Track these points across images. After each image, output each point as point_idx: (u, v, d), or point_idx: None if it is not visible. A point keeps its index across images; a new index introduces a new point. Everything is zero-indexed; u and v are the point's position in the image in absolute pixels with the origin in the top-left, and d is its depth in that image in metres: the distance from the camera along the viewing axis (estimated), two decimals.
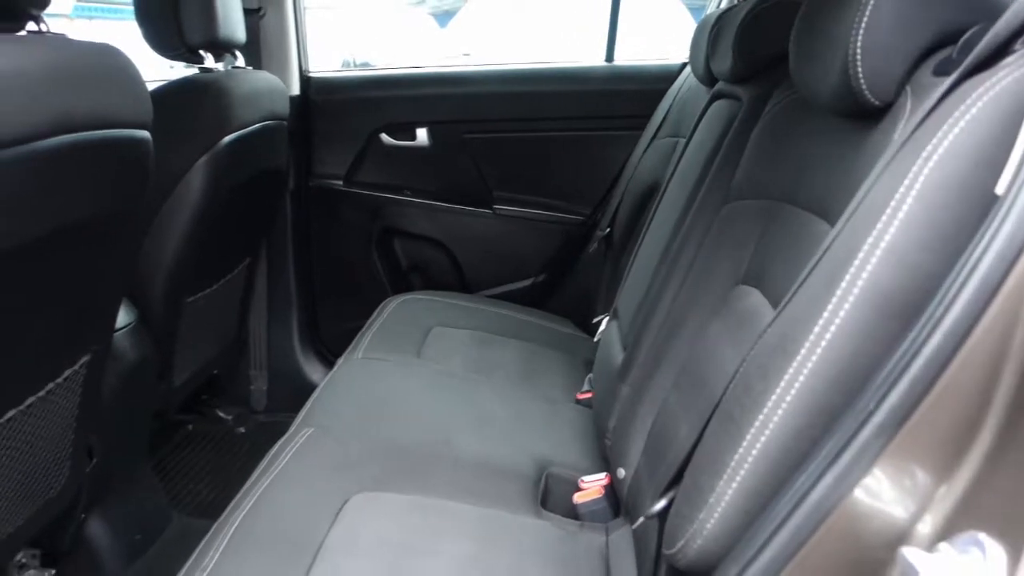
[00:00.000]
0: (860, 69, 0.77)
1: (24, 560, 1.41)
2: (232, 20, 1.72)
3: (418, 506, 1.18)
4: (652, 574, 0.90)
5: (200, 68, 1.70)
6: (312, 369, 2.28)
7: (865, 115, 0.82)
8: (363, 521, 1.13)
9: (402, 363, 1.66)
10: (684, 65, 2.03)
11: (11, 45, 0.87)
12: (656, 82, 2.03)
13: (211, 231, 1.66)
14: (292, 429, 1.35)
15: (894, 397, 0.54)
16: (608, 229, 1.99)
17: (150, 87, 1.18)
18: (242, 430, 2.20)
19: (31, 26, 1.01)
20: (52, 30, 1.02)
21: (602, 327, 1.67)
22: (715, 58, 1.39)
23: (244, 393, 2.29)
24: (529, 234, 2.22)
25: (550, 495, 1.34)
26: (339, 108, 2.22)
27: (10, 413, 1.07)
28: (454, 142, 2.21)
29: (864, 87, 0.78)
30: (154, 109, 1.48)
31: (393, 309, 1.94)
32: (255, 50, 2.07)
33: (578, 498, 1.29)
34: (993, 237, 0.52)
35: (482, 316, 1.96)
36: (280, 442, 1.30)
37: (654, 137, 1.91)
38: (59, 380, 1.16)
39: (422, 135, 2.22)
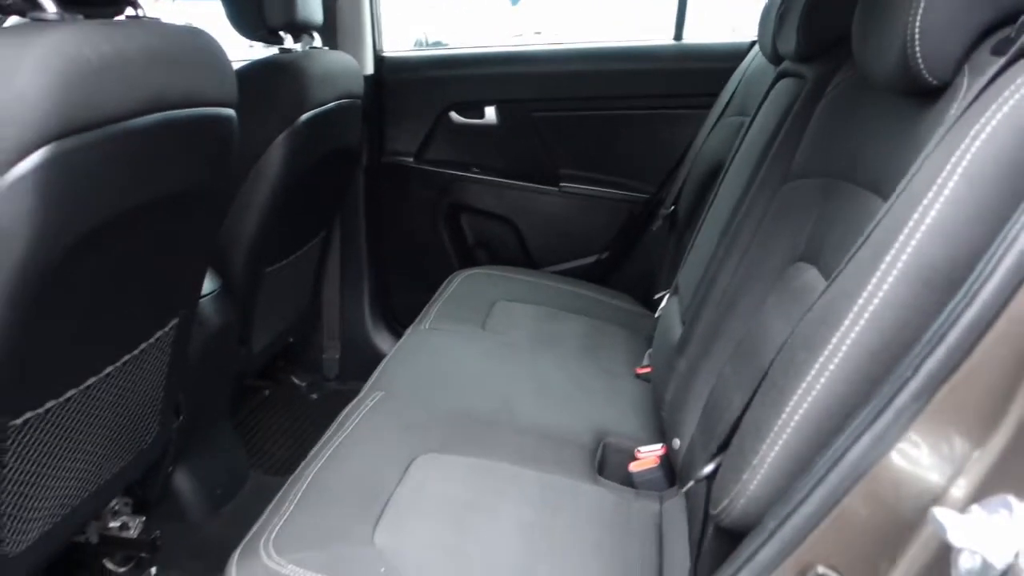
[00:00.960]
0: (918, 48, 0.78)
1: (118, 507, 1.53)
2: (310, 2, 1.79)
3: (480, 468, 1.24)
4: (700, 535, 0.93)
5: (280, 49, 1.78)
6: (382, 339, 2.36)
7: (924, 94, 0.83)
8: (428, 480, 1.19)
9: (466, 334, 1.72)
10: (753, 44, 2.03)
11: (112, 29, 0.95)
12: (724, 60, 2.02)
13: (288, 204, 1.74)
14: (362, 393, 1.42)
15: (931, 364, 0.57)
16: (672, 207, 2.00)
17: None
18: (315, 396, 2.30)
19: (129, 11, 1.09)
20: (152, 9, 1.10)
21: (663, 303, 1.69)
22: (781, 37, 1.39)
23: (317, 361, 2.38)
24: (594, 211, 2.25)
25: (607, 464, 1.38)
26: (411, 87, 2.28)
27: (108, 369, 1.16)
28: (522, 120, 2.25)
29: (922, 66, 0.79)
30: (238, 88, 1.56)
31: (459, 283, 2.00)
32: (331, 31, 2.14)
33: (634, 467, 1.33)
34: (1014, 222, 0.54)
35: (546, 291, 2.00)
36: (351, 404, 1.38)
37: (721, 116, 1.91)
38: (151, 340, 1.25)
39: (491, 113, 2.26)
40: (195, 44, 1.11)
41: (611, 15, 6.13)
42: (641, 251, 2.23)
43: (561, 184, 2.25)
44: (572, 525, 1.16)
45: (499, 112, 2.25)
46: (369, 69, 2.22)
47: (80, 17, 0.95)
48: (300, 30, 1.81)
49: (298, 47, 1.85)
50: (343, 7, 2.14)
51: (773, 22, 1.50)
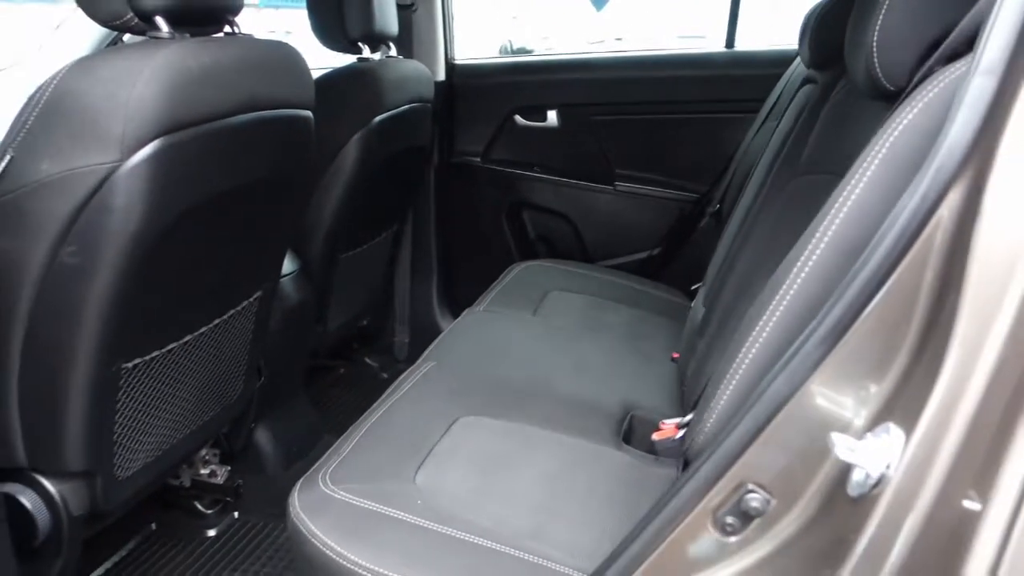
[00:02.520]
0: (876, 58, 0.91)
1: (207, 457, 1.76)
2: (387, 15, 1.99)
3: (514, 430, 1.40)
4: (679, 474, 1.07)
5: (358, 58, 1.98)
6: (447, 325, 2.54)
7: (888, 98, 0.96)
8: (467, 437, 1.36)
9: (517, 318, 1.88)
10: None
11: (211, 44, 1.16)
12: (772, 67, 2.13)
13: (363, 197, 1.94)
14: (418, 362, 1.60)
15: (833, 315, 0.70)
16: (719, 206, 2.12)
17: (317, 74, 1.46)
18: (385, 376, 2.50)
19: (228, 28, 1.30)
20: (242, 18, 1.31)
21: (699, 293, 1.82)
22: (802, 46, 1.51)
23: (389, 344, 2.59)
24: (647, 210, 2.38)
25: (634, 435, 1.52)
26: (479, 92, 2.47)
27: (202, 329, 1.38)
28: (581, 123, 2.40)
29: (880, 73, 0.92)
30: (319, 93, 1.78)
31: (517, 273, 2.17)
32: (407, 40, 2.34)
33: (656, 436, 1.47)
34: (911, 195, 0.67)
35: (598, 283, 2.15)
36: (407, 371, 1.56)
37: (765, 120, 2.02)
38: (238, 308, 1.47)
39: (552, 116, 2.42)
40: (279, 55, 1.31)
41: (696, 19, 6.18)
42: (690, 247, 2.35)
43: (616, 183, 2.40)
44: (591, 480, 1.30)
45: (560, 115, 2.41)
46: (441, 76, 2.42)
47: (187, 35, 1.16)
48: (377, 40, 2.00)
49: (376, 56, 2.06)
50: (419, 20, 2.35)
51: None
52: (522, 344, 1.74)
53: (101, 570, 1.59)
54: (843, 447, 0.69)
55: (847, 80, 1.23)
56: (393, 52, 2.13)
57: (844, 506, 0.71)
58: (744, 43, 2.36)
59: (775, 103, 2.01)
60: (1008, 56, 0.64)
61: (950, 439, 0.63)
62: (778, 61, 2.16)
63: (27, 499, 1.18)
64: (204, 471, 1.74)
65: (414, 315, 2.58)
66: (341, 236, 1.96)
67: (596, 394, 1.57)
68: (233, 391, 1.57)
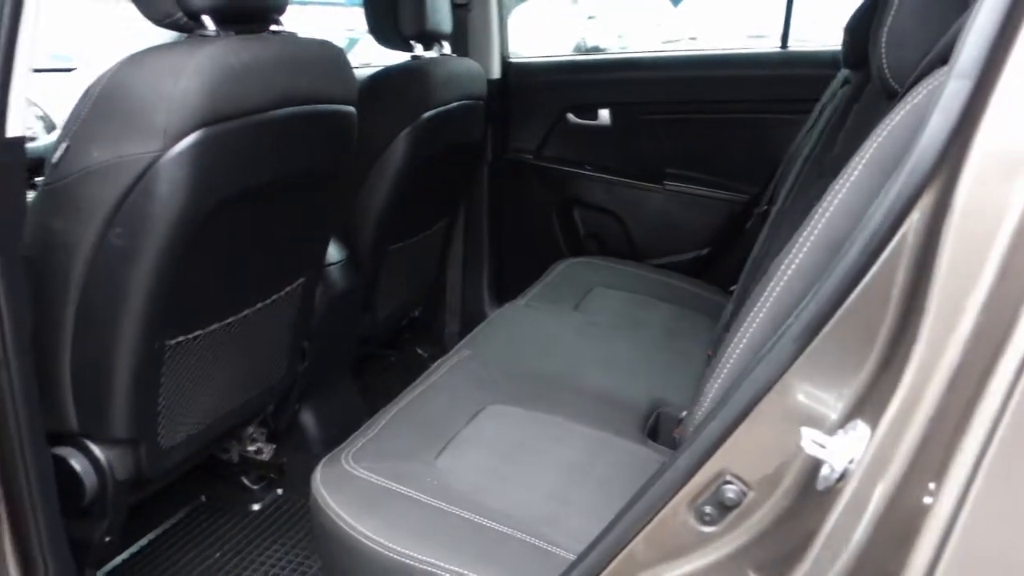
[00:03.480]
0: (885, 59, 0.92)
1: (255, 435, 1.85)
2: (440, 14, 2.04)
3: (539, 420, 1.44)
4: None
5: (411, 55, 2.04)
6: None
7: (899, 98, 0.96)
8: (491, 425, 1.40)
9: (557, 312, 1.92)
10: None
11: (253, 42, 1.23)
12: (826, 67, 2.10)
13: (412, 191, 2.00)
14: (452, 352, 1.65)
15: (807, 313, 0.72)
16: (766, 207, 2.11)
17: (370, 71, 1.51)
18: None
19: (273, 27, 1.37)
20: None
21: None
22: (844, 46, 1.50)
23: (440, 335, 2.66)
24: (697, 209, 2.38)
25: (660, 431, 1.54)
26: (533, 90, 2.50)
27: (245, 312, 1.46)
28: (632, 122, 2.42)
29: (888, 74, 0.92)
30: (370, 90, 1.85)
31: (563, 268, 2.21)
32: (463, 38, 2.40)
33: (678, 431, 1.48)
34: (885, 197, 0.68)
35: (643, 281, 2.16)
36: (441, 360, 1.61)
37: (816, 120, 2.00)
38: (281, 293, 1.54)
39: (604, 115, 2.44)
40: (320, 52, 1.38)
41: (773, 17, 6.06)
42: (739, 248, 2.33)
43: (666, 182, 2.40)
44: (609, 472, 1.33)
45: (612, 114, 2.43)
46: (496, 74, 2.46)
47: (232, 33, 1.23)
48: (430, 39, 2.06)
49: (430, 54, 2.11)
50: (474, 19, 2.40)
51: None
52: (557, 338, 1.77)
53: (153, 535, 1.70)
54: (809, 441, 0.71)
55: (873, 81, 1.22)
56: (447, 50, 2.18)
57: (814, 500, 0.72)
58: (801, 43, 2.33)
59: (826, 104, 1.99)
60: (983, 60, 0.65)
61: (909, 437, 0.64)
62: (832, 61, 2.13)
63: (77, 462, 1.28)
64: (251, 448, 1.83)
65: (465, 307, 2.63)
66: (390, 228, 2.02)
67: (625, 389, 1.59)
68: (276, 372, 1.65)
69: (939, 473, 0.62)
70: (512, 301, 1.99)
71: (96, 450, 1.29)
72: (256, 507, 1.81)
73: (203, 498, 1.81)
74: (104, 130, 1.13)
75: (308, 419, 1.92)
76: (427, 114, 1.93)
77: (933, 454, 0.63)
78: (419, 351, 2.62)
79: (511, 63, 2.51)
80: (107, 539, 1.34)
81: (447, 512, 1.15)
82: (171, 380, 1.34)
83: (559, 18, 8.28)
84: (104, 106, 1.13)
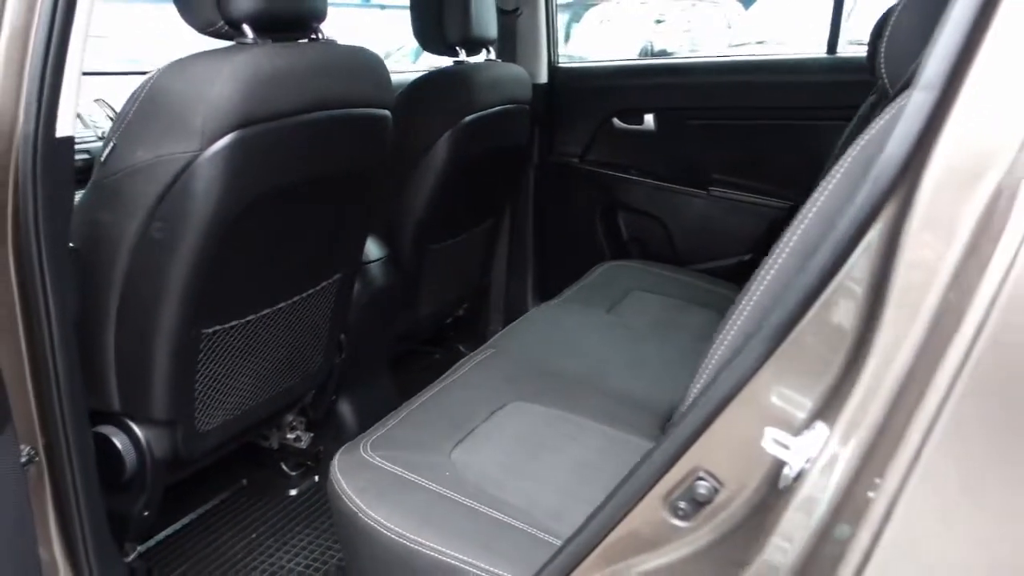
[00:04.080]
0: (884, 67, 0.93)
1: (295, 423, 1.93)
2: (485, 20, 2.09)
3: (558, 418, 1.47)
4: None
5: (455, 61, 2.10)
6: None
7: None
8: (511, 421, 1.44)
9: (589, 314, 1.94)
10: None
11: (288, 49, 1.30)
12: (873, 73, 2.07)
13: (454, 192, 2.06)
14: (480, 348, 1.70)
15: (776, 317, 0.74)
16: None
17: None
18: None
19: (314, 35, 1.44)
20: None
21: None
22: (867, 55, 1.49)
23: (483, 333, 2.71)
24: (740, 216, 2.37)
25: None
26: (580, 95, 2.53)
27: (281, 304, 1.53)
28: (677, 127, 2.42)
29: (887, 82, 0.93)
30: (412, 93, 1.91)
31: (603, 271, 2.23)
32: (511, 44, 2.45)
33: None
34: (849, 207, 0.70)
35: (682, 286, 2.17)
36: (468, 356, 1.66)
37: None
38: (317, 288, 1.61)
39: (649, 120, 2.45)
40: (355, 59, 1.44)
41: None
42: None
43: (710, 188, 2.40)
44: (620, 468, 1.33)
45: (657, 119, 2.44)
46: (543, 78, 2.50)
47: (269, 41, 1.31)
48: (475, 44, 2.11)
49: (477, 59, 2.17)
50: (523, 25, 2.45)
51: None
52: (584, 338, 1.80)
53: (196, 513, 1.80)
54: (770, 441, 0.73)
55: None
56: (492, 56, 2.23)
57: (778, 498, 0.74)
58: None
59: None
60: (946, 72, 0.66)
61: (860, 437, 0.66)
62: None
63: (118, 440, 1.37)
64: (291, 436, 1.92)
65: (509, 306, 2.68)
66: (432, 228, 2.08)
67: (648, 391, 1.61)
68: (312, 363, 1.72)
69: (883, 470, 0.63)
70: (547, 302, 2.02)
71: (137, 429, 1.38)
72: (293, 492, 1.89)
73: (244, 482, 1.91)
74: (147, 131, 1.22)
75: (345, 410, 1.99)
76: (469, 117, 1.99)
77: (881, 453, 0.64)
78: (462, 348, 2.67)
79: (558, 68, 2.54)
80: (145, 513, 1.43)
81: (455, 501, 1.19)
82: (208, 367, 1.42)
83: (628, 22, 8.28)
84: (147, 109, 1.22)
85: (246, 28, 1.29)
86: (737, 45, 6.59)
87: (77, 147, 1.16)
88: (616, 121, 2.50)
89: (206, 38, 1.33)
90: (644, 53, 7.33)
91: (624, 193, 2.53)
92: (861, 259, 0.69)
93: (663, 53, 7.35)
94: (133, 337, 1.32)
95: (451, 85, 2.01)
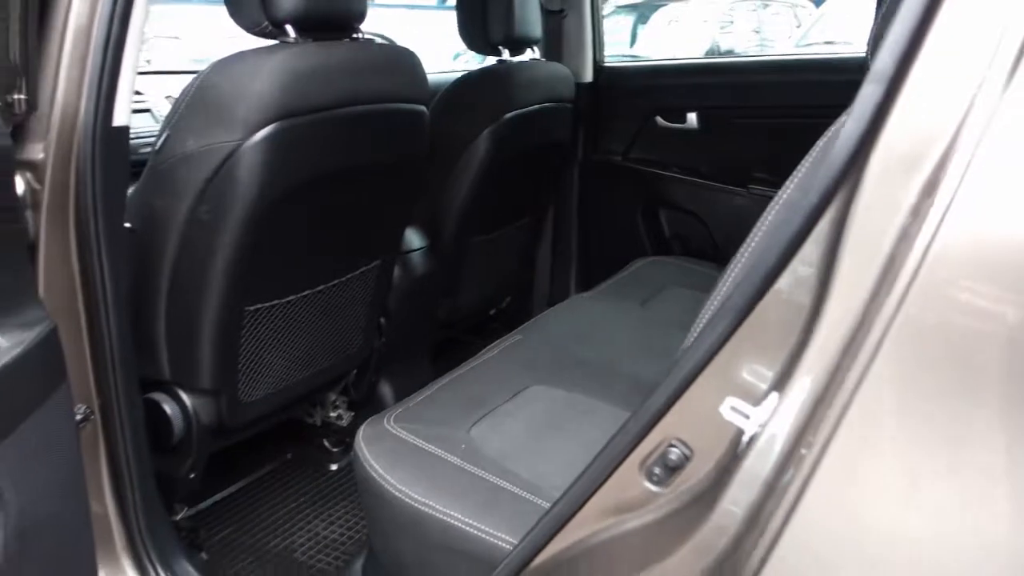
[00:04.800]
0: (869, 64, 0.97)
1: (337, 402, 2.04)
2: (528, 20, 2.16)
3: (576, 401, 1.53)
4: None
5: (498, 60, 2.18)
6: None
7: None
8: (529, 403, 1.51)
9: (621, 307, 2.00)
10: None
11: (325, 48, 1.40)
12: None
13: (495, 187, 2.13)
14: (508, 335, 1.77)
15: (740, 295, 0.79)
16: None
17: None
18: None
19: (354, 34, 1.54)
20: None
21: None
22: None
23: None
24: None
25: None
26: (624, 94, 2.58)
27: (320, 287, 1.64)
28: (719, 126, 2.45)
29: None
30: (456, 90, 2.00)
31: (642, 266, 2.28)
32: (557, 44, 2.51)
33: None
34: (803, 196, 0.75)
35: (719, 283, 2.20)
36: (496, 342, 1.74)
37: None
38: (356, 273, 1.71)
39: (691, 119, 2.49)
40: (391, 57, 1.54)
41: None
42: None
43: (750, 187, 2.42)
44: None
45: (699, 118, 2.47)
46: (588, 77, 2.56)
47: (310, 40, 1.41)
48: (519, 44, 2.18)
49: (521, 58, 2.24)
50: (569, 26, 2.51)
51: None
52: (614, 329, 1.85)
53: (244, 482, 1.92)
54: (729, 409, 0.78)
55: None
56: (537, 55, 2.31)
57: (735, 464, 0.80)
58: None
59: None
60: (894, 65, 0.70)
61: (802, 404, 0.71)
62: None
63: (168, 406, 1.49)
64: (333, 415, 2.03)
65: (552, 299, 2.75)
66: (473, 220, 2.16)
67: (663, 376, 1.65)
68: (352, 345, 1.82)
69: (817, 431, 0.69)
70: (580, 294, 2.09)
71: (184, 397, 1.50)
72: (334, 467, 2.00)
73: (289, 455, 2.02)
74: (196, 122, 1.33)
75: (386, 391, 2.09)
76: (509, 114, 2.06)
77: (819, 416, 0.70)
78: None
79: (603, 67, 2.60)
80: (191, 476, 1.55)
81: (466, 471, 1.27)
82: (250, 342, 1.53)
83: (696, 23, 8.24)
84: (197, 102, 1.33)
85: (288, 28, 1.39)
86: (805, 45, 6.49)
87: (148, 139, 1.28)
88: (659, 119, 2.54)
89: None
90: (711, 54, 7.29)
91: (666, 190, 2.56)
92: (815, 242, 0.75)
93: (730, 54, 7.30)
94: (182, 311, 1.44)
95: (493, 83, 2.09)
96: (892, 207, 0.69)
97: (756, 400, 0.80)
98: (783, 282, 0.77)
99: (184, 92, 1.36)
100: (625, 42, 8.24)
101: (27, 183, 1.18)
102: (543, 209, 2.60)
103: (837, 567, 0.69)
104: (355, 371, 1.97)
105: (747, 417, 0.78)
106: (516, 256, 2.53)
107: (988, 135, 0.65)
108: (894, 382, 0.65)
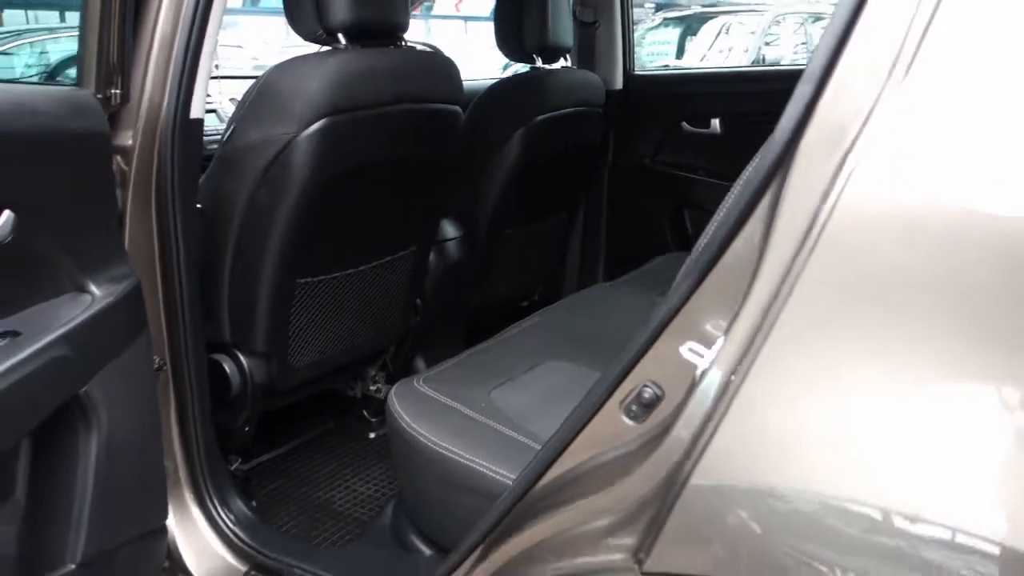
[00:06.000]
0: None
1: (376, 376, 2.23)
2: (561, 30, 2.34)
3: (587, 375, 1.69)
4: None
5: (531, 67, 2.36)
6: None
7: None
8: (546, 374, 1.69)
9: (638, 295, 2.15)
10: None
11: (371, 53, 1.60)
12: None
13: (526, 184, 2.31)
14: (529, 317, 1.95)
15: (703, 257, 0.96)
16: None
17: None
18: None
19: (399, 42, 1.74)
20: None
21: None
22: None
23: None
24: None
25: None
26: (652, 100, 2.75)
27: (362, 267, 1.83)
28: (742, 131, 2.60)
29: None
30: (491, 94, 2.19)
31: (663, 260, 2.44)
32: (590, 53, 2.69)
33: None
34: (748, 182, 0.91)
35: None
36: (517, 323, 1.92)
37: None
38: (393, 257, 1.91)
39: (715, 124, 2.64)
40: (430, 62, 1.73)
41: None
42: None
43: None
44: None
45: (723, 123, 2.62)
46: (619, 85, 2.73)
47: (358, 47, 1.61)
48: (551, 52, 2.36)
49: (555, 66, 2.41)
50: (601, 36, 2.68)
51: None
52: (628, 314, 2.01)
53: (290, 445, 2.13)
54: (687, 350, 0.95)
55: None
56: (568, 64, 2.48)
57: (689, 395, 0.96)
58: None
59: None
60: (821, 69, 0.87)
61: (739, 344, 0.88)
62: None
63: (227, 366, 1.70)
64: (372, 388, 2.22)
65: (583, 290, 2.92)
66: (505, 214, 2.34)
67: None
68: (390, 322, 2.02)
69: (744, 362, 0.85)
70: (601, 283, 2.25)
71: (242, 358, 1.71)
72: (372, 435, 2.20)
73: (331, 424, 2.23)
74: (258, 117, 1.54)
75: (420, 368, 2.27)
76: (541, 117, 2.24)
77: (747, 353, 0.86)
78: None
79: (633, 75, 2.76)
80: (245, 429, 1.75)
81: (484, 424, 1.45)
82: (299, 312, 1.73)
83: (744, 36, 8.35)
84: (259, 99, 1.54)
85: (340, 36, 1.59)
86: None
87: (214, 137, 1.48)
88: (685, 125, 2.70)
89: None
90: (755, 63, 7.38)
91: (690, 192, 2.72)
92: (758, 218, 0.91)
93: (775, 63, 7.38)
94: (242, 282, 1.64)
95: (526, 88, 2.27)
96: (814, 183, 0.85)
97: (709, 344, 0.96)
98: (733, 249, 0.94)
99: (249, 91, 1.57)
100: (672, 53, 8.38)
101: (117, 164, 1.39)
102: (574, 207, 2.77)
103: (750, 468, 0.85)
104: (393, 348, 2.17)
105: (701, 356, 0.95)
106: (547, 251, 2.71)
107: (888, 122, 0.81)
108: (807, 319, 0.82)
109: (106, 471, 1.20)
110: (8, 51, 5.88)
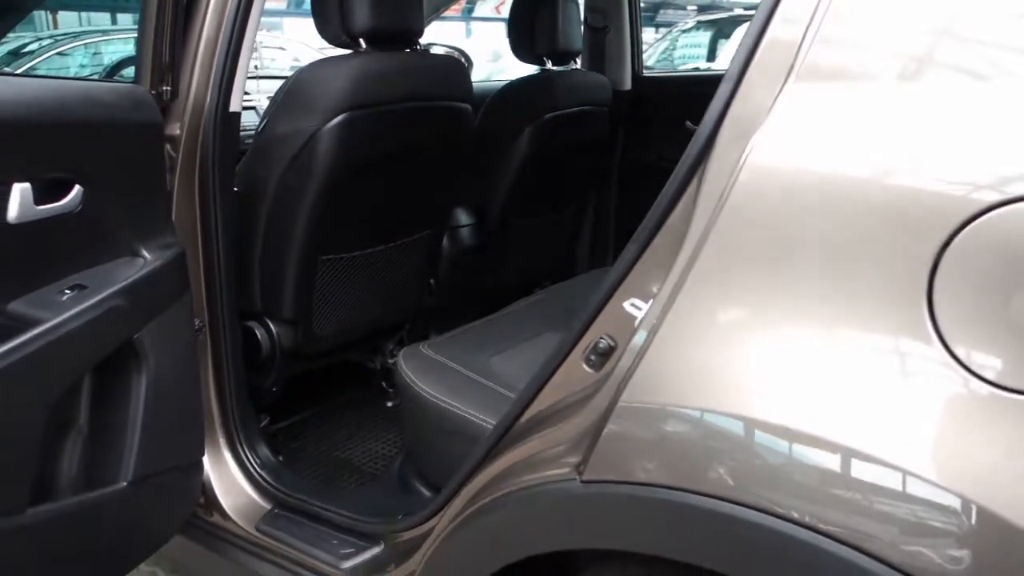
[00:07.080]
0: None
1: (394, 350, 2.44)
2: (570, 35, 2.53)
3: None
4: None
5: (541, 69, 2.56)
6: None
7: None
8: (543, 344, 1.87)
9: None
10: None
11: (388, 56, 1.81)
12: None
13: (535, 177, 2.50)
14: (531, 295, 2.15)
15: (643, 231, 1.15)
16: None
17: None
18: None
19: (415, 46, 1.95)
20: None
21: None
22: None
23: None
24: None
25: None
26: (659, 100, 2.93)
27: (379, 247, 2.05)
28: None
29: None
30: (503, 93, 2.39)
31: None
32: (600, 57, 2.88)
33: None
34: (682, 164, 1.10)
35: None
36: (520, 300, 2.11)
37: None
38: (408, 239, 2.12)
39: None
40: (441, 64, 1.94)
41: None
42: None
43: None
44: None
45: None
46: (627, 86, 2.92)
47: (377, 50, 1.82)
48: (561, 56, 2.55)
49: (565, 69, 2.61)
50: (611, 40, 2.87)
51: None
52: None
53: (314, 411, 2.35)
54: (628, 304, 1.14)
55: None
56: (577, 66, 2.67)
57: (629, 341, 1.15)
58: None
59: None
60: (738, 70, 1.05)
61: (667, 295, 1.07)
62: None
63: (258, 332, 1.92)
64: (391, 361, 2.43)
65: None
66: (515, 204, 2.54)
67: None
68: (406, 299, 2.23)
69: (666, 313, 1.04)
70: (603, 268, 2.44)
71: (271, 324, 1.93)
72: (389, 404, 2.41)
73: (354, 393, 2.45)
74: (289, 111, 1.76)
75: None
76: (549, 115, 2.43)
77: (670, 300, 1.05)
78: None
79: (641, 77, 2.95)
80: (273, 389, 1.98)
81: (480, 383, 1.65)
82: (322, 285, 1.95)
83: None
84: (289, 96, 1.77)
85: (361, 41, 1.80)
86: None
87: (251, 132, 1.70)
88: (688, 124, 2.86)
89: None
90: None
91: None
92: (690, 192, 1.10)
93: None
94: (272, 256, 1.87)
95: (536, 87, 2.47)
96: (724, 166, 1.04)
97: (647, 299, 1.15)
98: (670, 222, 1.13)
99: (281, 88, 1.79)
100: (703, 56, 8.49)
101: (167, 152, 1.62)
102: (584, 201, 2.96)
103: (663, 392, 1.04)
104: (409, 325, 2.38)
105: (640, 309, 1.14)
106: (557, 242, 2.90)
107: (780, 116, 1.00)
108: (712, 275, 1.01)
109: (153, 407, 1.43)
110: (65, 52, 6.24)
